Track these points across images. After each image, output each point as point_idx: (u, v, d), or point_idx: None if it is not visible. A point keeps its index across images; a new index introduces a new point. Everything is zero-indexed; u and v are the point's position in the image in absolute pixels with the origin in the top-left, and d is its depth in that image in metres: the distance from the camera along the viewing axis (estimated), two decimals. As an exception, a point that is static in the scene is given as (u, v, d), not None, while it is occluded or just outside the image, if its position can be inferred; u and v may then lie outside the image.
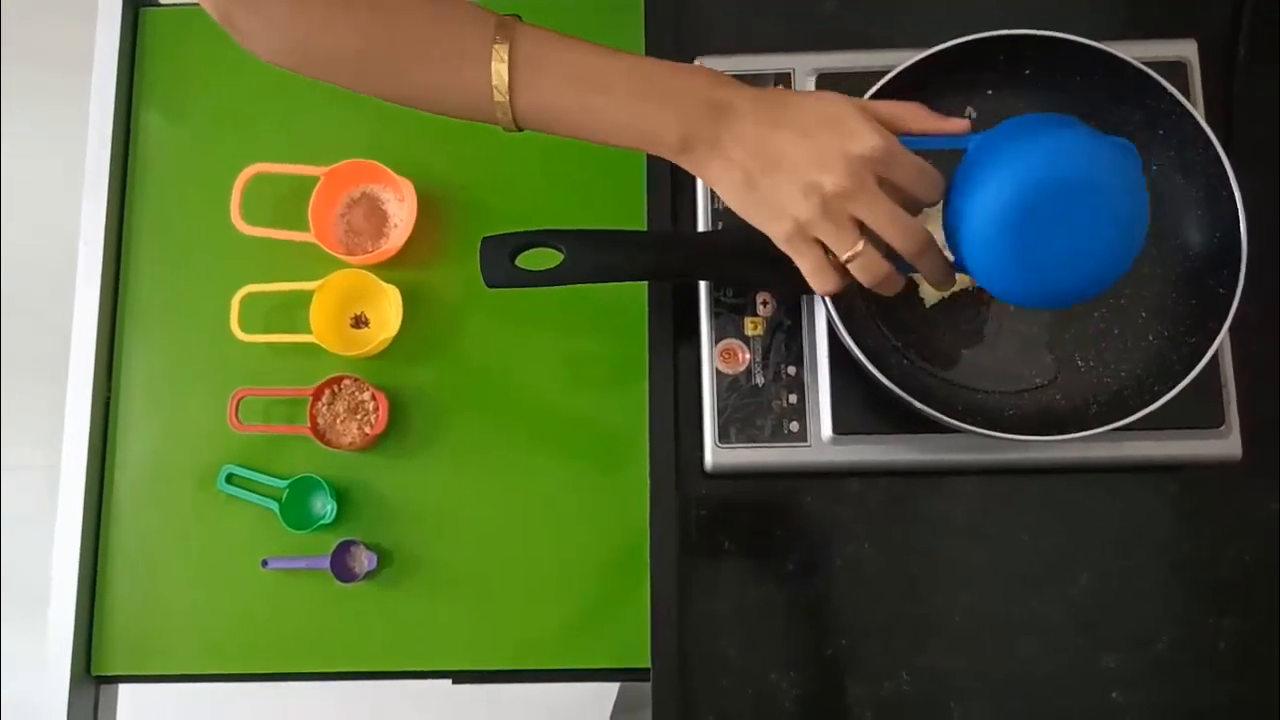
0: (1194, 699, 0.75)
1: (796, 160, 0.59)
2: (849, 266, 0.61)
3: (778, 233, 0.61)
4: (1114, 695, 0.75)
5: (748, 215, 0.62)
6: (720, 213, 0.78)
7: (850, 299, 0.72)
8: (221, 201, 0.85)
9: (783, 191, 0.59)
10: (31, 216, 1.76)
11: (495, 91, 0.60)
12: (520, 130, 0.63)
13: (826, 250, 0.61)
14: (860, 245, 0.60)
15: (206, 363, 0.87)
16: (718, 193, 0.62)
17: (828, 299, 0.69)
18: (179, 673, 0.83)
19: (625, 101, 0.61)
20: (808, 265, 0.61)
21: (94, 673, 0.83)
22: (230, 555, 0.84)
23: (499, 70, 0.60)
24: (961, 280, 0.72)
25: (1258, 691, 0.75)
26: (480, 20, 0.60)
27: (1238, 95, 0.81)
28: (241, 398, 0.84)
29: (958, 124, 0.62)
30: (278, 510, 0.83)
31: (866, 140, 0.58)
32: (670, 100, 0.61)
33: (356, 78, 0.63)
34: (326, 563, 0.82)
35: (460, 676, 0.83)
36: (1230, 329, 0.69)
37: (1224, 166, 0.69)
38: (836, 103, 0.60)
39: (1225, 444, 0.73)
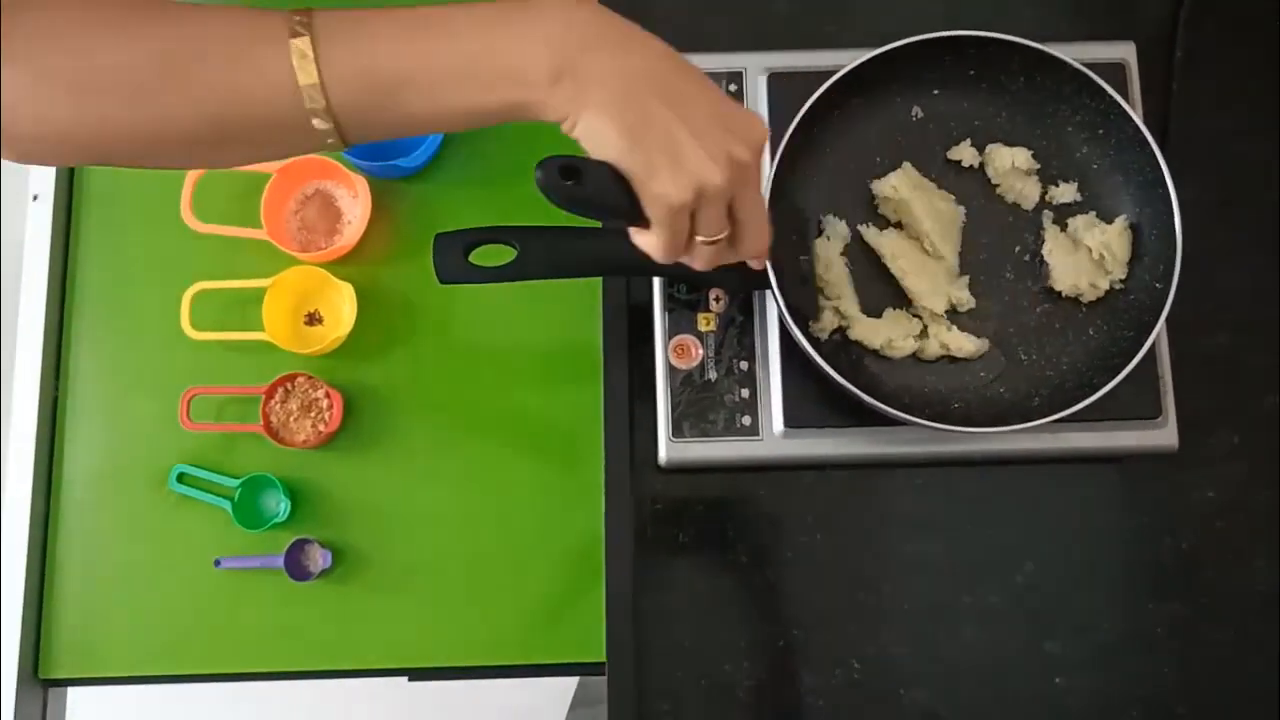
0: (1134, 683, 0.77)
1: (710, 118, 0.51)
2: (699, 249, 0.56)
3: (675, 190, 0.51)
4: (1057, 680, 0.77)
5: (636, 161, 0.50)
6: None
7: (798, 291, 0.73)
8: (172, 198, 0.84)
9: (689, 146, 0.50)
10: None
11: (298, 70, 0.48)
12: (341, 133, 0.51)
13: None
14: (727, 230, 0.55)
15: (157, 361, 0.86)
16: (593, 136, 0.50)
17: (779, 293, 0.70)
18: (130, 675, 0.82)
19: (471, 35, 0.49)
20: (671, 238, 0.54)
21: (41, 676, 0.82)
22: (182, 555, 0.83)
23: (299, 45, 0.48)
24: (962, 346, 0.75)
25: (1196, 675, 0.77)
26: (269, 12, 0.50)
27: (1175, 96, 0.84)
28: (193, 396, 0.83)
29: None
30: (230, 509, 0.82)
31: (763, 131, 0.54)
32: (530, 23, 0.49)
33: (131, 102, 0.49)
34: (280, 561, 0.81)
35: (416, 674, 0.83)
36: (1166, 323, 0.71)
37: (1160, 166, 0.72)
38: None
39: (1162, 434, 0.75)
